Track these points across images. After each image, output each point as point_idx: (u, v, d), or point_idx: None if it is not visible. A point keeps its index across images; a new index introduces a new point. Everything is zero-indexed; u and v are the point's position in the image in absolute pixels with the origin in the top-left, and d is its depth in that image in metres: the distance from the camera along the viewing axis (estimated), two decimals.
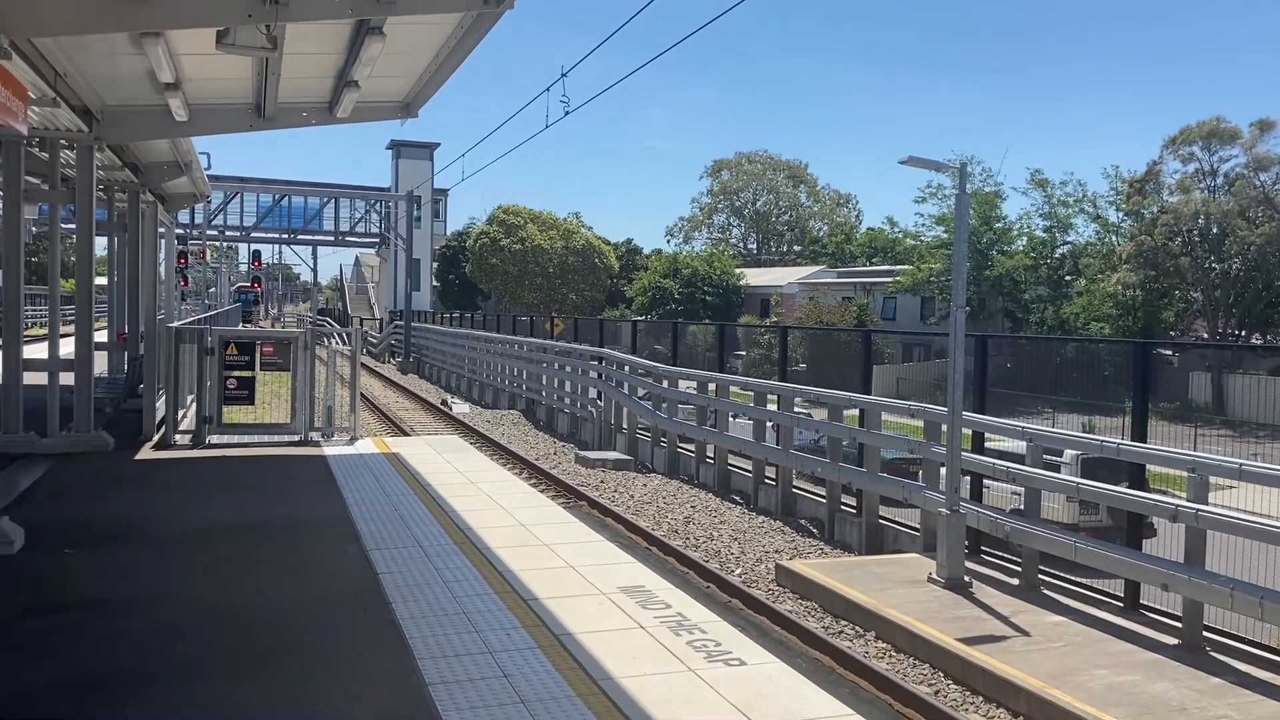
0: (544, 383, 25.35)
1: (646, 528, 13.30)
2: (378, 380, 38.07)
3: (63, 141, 12.95)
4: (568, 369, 23.56)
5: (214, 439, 13.18)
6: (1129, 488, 9.38)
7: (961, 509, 10.23)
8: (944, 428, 10.82)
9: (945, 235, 43.94)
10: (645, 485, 16.37)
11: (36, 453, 11.66)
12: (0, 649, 5.74)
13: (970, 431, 11.03)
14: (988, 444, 11.38)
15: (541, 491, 13.82)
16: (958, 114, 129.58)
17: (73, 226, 16.90)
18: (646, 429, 19.19)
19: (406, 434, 21.30)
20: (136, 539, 8.30)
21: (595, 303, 59.55)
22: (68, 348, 13.10)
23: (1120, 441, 9.51)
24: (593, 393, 21.86)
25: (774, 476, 14.84)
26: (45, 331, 14.13)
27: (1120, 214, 42.97)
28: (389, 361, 47.91)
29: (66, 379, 12.55)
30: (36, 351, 13.10)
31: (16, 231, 11.37)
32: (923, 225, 48.82)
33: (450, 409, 27.20)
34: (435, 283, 66.96)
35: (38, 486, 10.37)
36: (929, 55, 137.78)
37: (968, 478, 10.96)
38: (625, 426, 19.93)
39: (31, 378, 11.91)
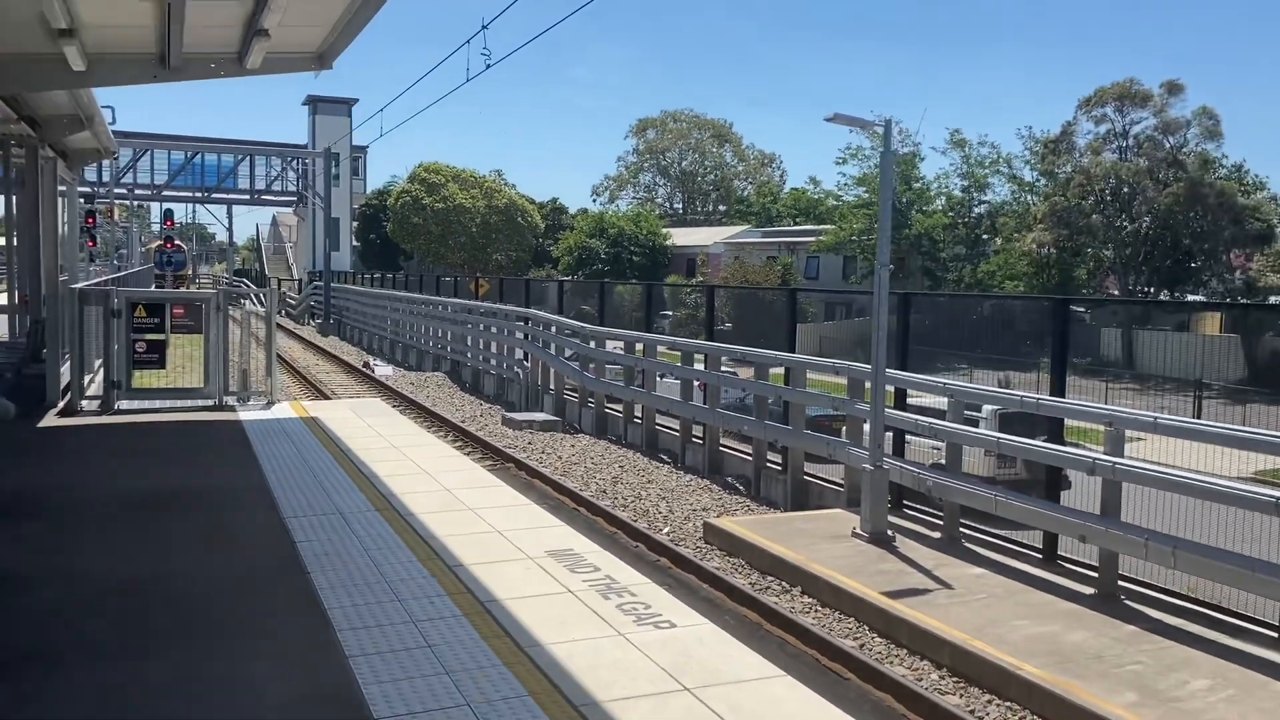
0: (469, 344, 25.03)
1: (574, 488, 13.22)
2: (297, 342, 37.24)
3: None
4: (493, 330, 23.26)
5: (124, 404, 12.71)
6: (1047, 441, 9.55)
7: (885, 464, 10.35)
8: (868, 385, 10.91)
9: (866, 195, 44.30)
10: (573, 446, 16.27)
11: None
12: None
13: (893, 388, 11.13)
14: (909, 400, 11.50)
15: (467, 455, 13.65)
16: (878, 75, 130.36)
17: None
18: (574, 389, 19.06)
19: (327, 397, 20.87)
20: (40, 510, 7.94)
21: (520, 263, 58.90)
22: None
23: (1040, 397, 9.68)
24: (519, 354, 21.62)
25: (701, 435, 14.85)
26: None
27: (1035, 174, 43.81)
28: (309, 323, 46.90)
29: None
30: None
31: None
32: (844, 185, 49.23)
33: (373, 371, 26.73)
34: (355, 242, 65.57)
35: None
36: (849, 14, 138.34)
37: (891, 433, 11.07)
38: (553, 387, 19.77)
39: None
